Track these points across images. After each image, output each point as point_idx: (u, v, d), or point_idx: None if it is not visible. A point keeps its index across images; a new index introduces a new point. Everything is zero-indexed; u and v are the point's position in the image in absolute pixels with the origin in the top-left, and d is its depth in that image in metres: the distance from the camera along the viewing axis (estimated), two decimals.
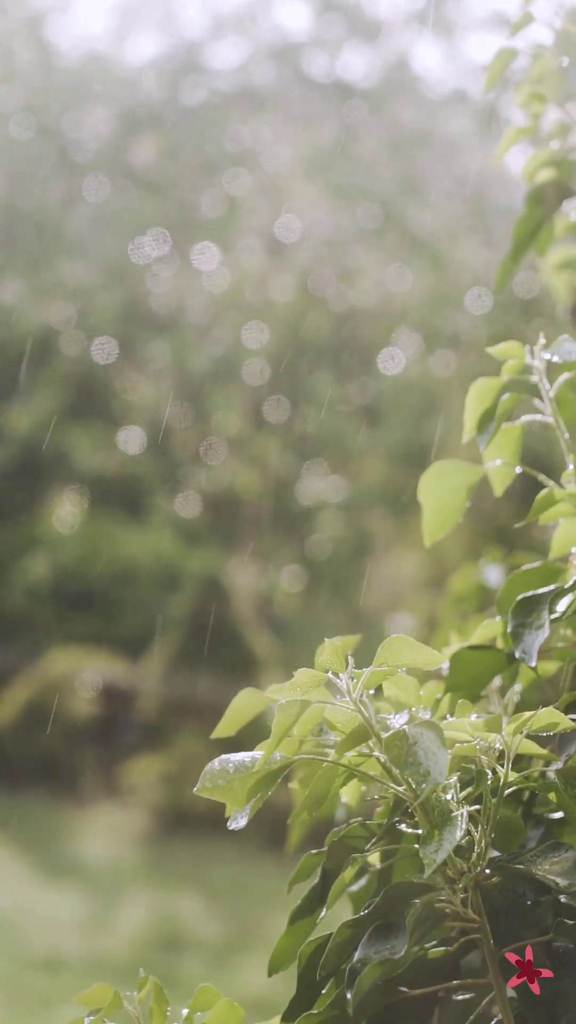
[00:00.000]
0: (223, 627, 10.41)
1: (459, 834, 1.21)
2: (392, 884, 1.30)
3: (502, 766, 1.29)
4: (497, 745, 1.29)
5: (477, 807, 1.28)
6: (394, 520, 12.50)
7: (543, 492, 1.53)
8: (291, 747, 1.32)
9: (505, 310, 12.12)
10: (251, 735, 1.43)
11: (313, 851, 1.41)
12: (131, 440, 13.58)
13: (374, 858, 1.45)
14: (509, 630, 1.46)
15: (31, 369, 13.27)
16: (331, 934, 1.31)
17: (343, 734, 1.30)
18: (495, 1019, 1.31)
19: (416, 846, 1.29)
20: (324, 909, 1.38)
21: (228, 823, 1.29)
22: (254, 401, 13.90)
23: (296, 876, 1.41)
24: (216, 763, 1.31)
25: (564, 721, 1.29)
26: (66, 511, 13.04)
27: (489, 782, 1.29)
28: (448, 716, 1.43)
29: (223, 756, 1.31)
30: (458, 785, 1.29)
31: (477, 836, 1.28)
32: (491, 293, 12.48)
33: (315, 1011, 1.31)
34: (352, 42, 15.77)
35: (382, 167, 14.69)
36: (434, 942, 1.35)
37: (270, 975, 1.40)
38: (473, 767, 1.30)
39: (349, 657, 1.29)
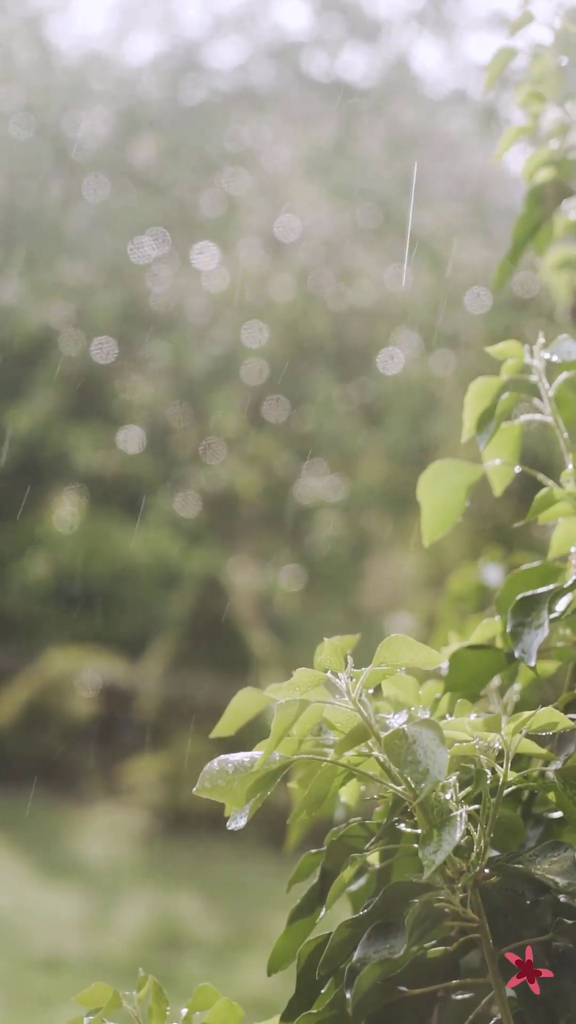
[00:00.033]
0: (222, 627, 10.41)
1: (458, 835, 1.21)
2: (391, 884, 1.30)
3: (501, 765, 1.29)
4: (496, 745, 1.29)
5: (476, 807, 1.28)
6: (393, 520, 12.50)
7: (542, 492, 1.53)
8: (290, 747, 1.32)
9: (504, 310, 12.12)
10: (250, 735, 1.43)
11: (312, 851, 1.41)
12: (130, 440, 13.58)
13: (373, 858, 1.45)
14: (508, 629, 1.46)
15: (31, 369, 13.27)
16: (330, 934, 1.31)
17: (342, 734, 1.30)
18: (494, 1019, 1.31)
19: (415, 846, 1.28)
20: (323, 909, 1.38)
21: (227, 823, 1.29)
22: (253, 401, 13.90)
23: (295, 876, 1.41)
24: (215, 763, 1.31)
25: (563, 720, 1.29)
26: (66, 511, 13.04)
27: (488, 782, 1.29)
28: (447, 716, 1.43)
29: (222, 756, 1.31)
30: (457, 785, 1.29)
31: (476, 836, 1.28)
32: (490, 293, 12.48)
33: (314, 1011, 1.31)
34: (352, 42, 15.77)
35: (382, 167, 14.69)
36: (433, 942, 1.35)
37: (269, 975, 1.40)
38: (472, 767, 1.30)
39: (348, 657, 1.29)
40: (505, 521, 8.29)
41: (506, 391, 1.61)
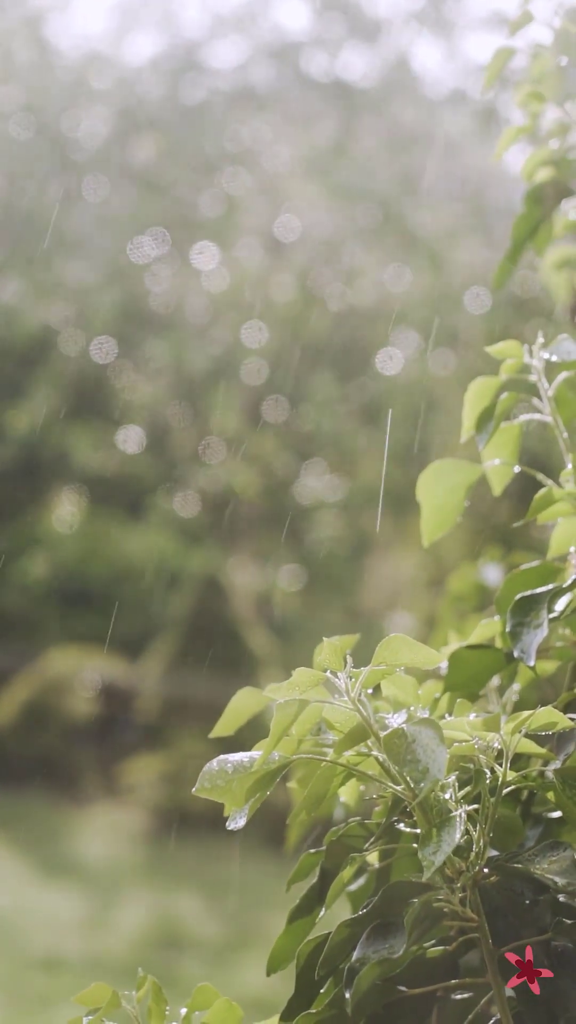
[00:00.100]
0: (222, 626, 10.41)
1: (458, 835, 1.21)
2: (391, 883, 1.30)
3: (500, 765, 1.29)
4: (495, 744, 1.29)
5: (475, 806, 1.28)
6: (393, 519, 12.50)
7: (542, 491, 1.53)
8: (290, 747, 1.32)
9: (504, 309, 12.12)
10: (250, 734, 1.43)
11: (312, 850, 1.41)
12: (130, 439, 13.58)
13: (372, 857, 1.45)
14: (508, 629, 1.46)
15: (31, 369, 13.27)
16: (330, 933, 1.31)
17: (341, 733, 1.30)
18: (493, 1018, 1.31)
19: (415, 845, 1.28)
20: (323, 908, 1.38)
21: (227, 823, 1.29)
22: (253, 400, 13.90)
23: (295, 875, 1.41)
24: (215, 763, 1.31)
25: (562, 720, 1.29)
26: (65, 510, 13.04)
27: (487, 781, 1.29)
28: (447, 715, 1.43)
29: (222, 756, 1.31)
30: (456, 784, 1.29)
31: (475, 835, 1.28)
32: (490, 292, 12.48)
33: (313, 1010, 1.31)
34: (352, 42, 15.76)
35: (381, 167, 14.69)
36: (433, 941, 1.35)
37: (269, 974, 1.40)
38: (471, 766, 1.30)
39: (348, 656, 1.29)
40: (504, 521, 8.29)
41: (505, 391, 1.61)
